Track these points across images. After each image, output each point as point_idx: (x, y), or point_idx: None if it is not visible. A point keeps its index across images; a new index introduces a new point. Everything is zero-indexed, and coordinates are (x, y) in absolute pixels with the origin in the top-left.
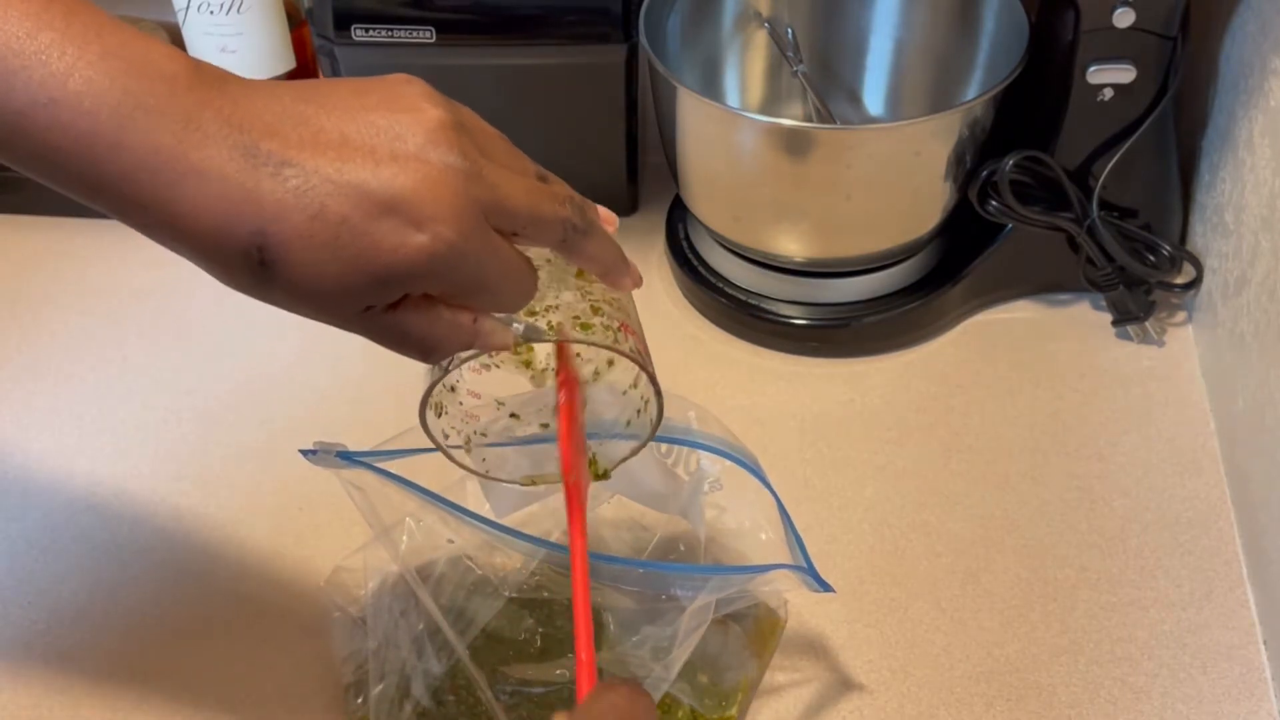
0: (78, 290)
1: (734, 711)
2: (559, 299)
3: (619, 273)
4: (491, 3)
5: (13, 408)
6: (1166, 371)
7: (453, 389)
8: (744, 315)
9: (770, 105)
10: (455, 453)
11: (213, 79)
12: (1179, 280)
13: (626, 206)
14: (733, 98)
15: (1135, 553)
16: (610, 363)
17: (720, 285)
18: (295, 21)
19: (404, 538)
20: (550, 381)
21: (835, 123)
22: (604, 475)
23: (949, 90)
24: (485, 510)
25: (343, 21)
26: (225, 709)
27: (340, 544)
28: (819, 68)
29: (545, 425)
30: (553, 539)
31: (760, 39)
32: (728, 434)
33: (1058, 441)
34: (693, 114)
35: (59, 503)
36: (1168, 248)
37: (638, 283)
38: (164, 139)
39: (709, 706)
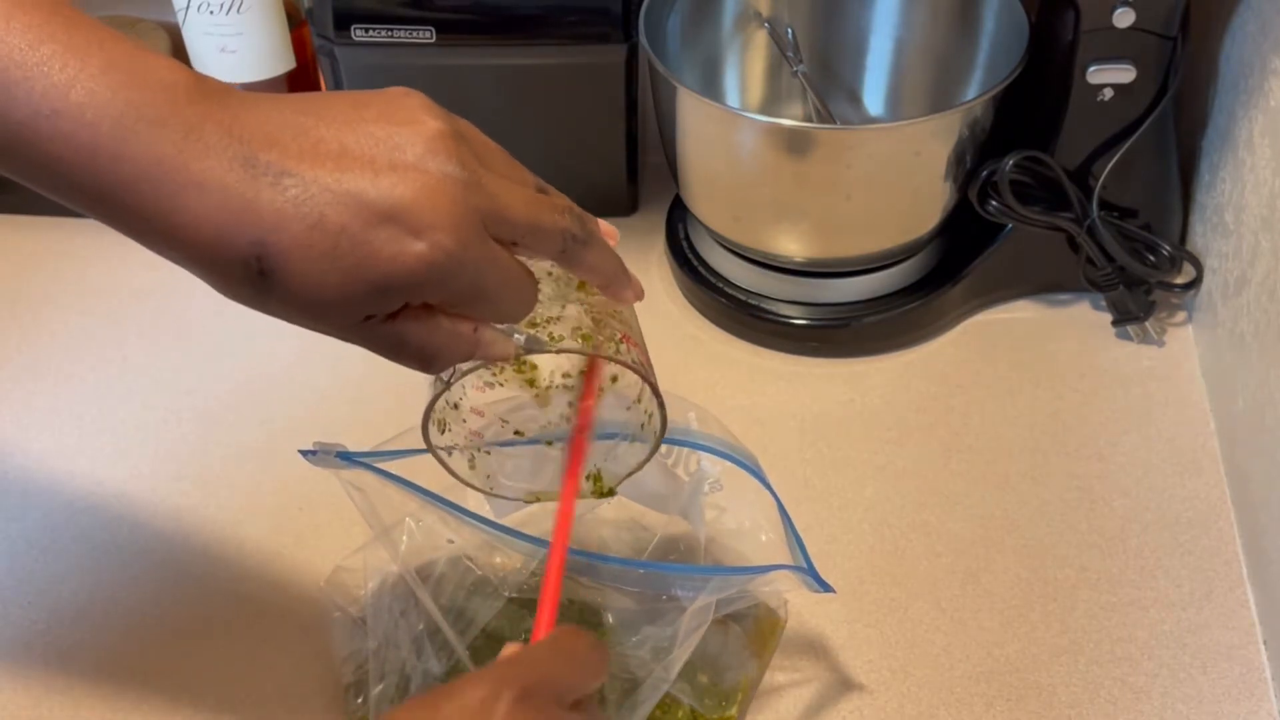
0: (78, 290)
1: (734, 711)
2: (562, 311)
3: (620, 285)
4: (491, 3)
5: (13, 408)
6: (1166, 371)
7: (455, 406)
8: (744, 315)
9: (770, 105)
10: (458, 468)
11: (213, 91)
12: (1179, 280)
13: (626, 206)
14: (733, 98)
15: (1135, 553)
16: (614, 378)
17: (720, 285)
18: (295, 21)
19: (404, 538)
20: (554, 401)
21: (835, 123)
22: (609, 492)
23: (949, 90)
24: (485, 511)
25: (343, 21)
26: (225, 709)
27: (340, 544)
28: (819, 68)
29: (550, 444)
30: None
31: (760, 39)
32: (728, 434)
33: (1058, 441)
34: (693, 114)
35: (59, 503)
36: (1168, 248)
37: (639, 295)
38: (165, 150)
39: (709, 706)
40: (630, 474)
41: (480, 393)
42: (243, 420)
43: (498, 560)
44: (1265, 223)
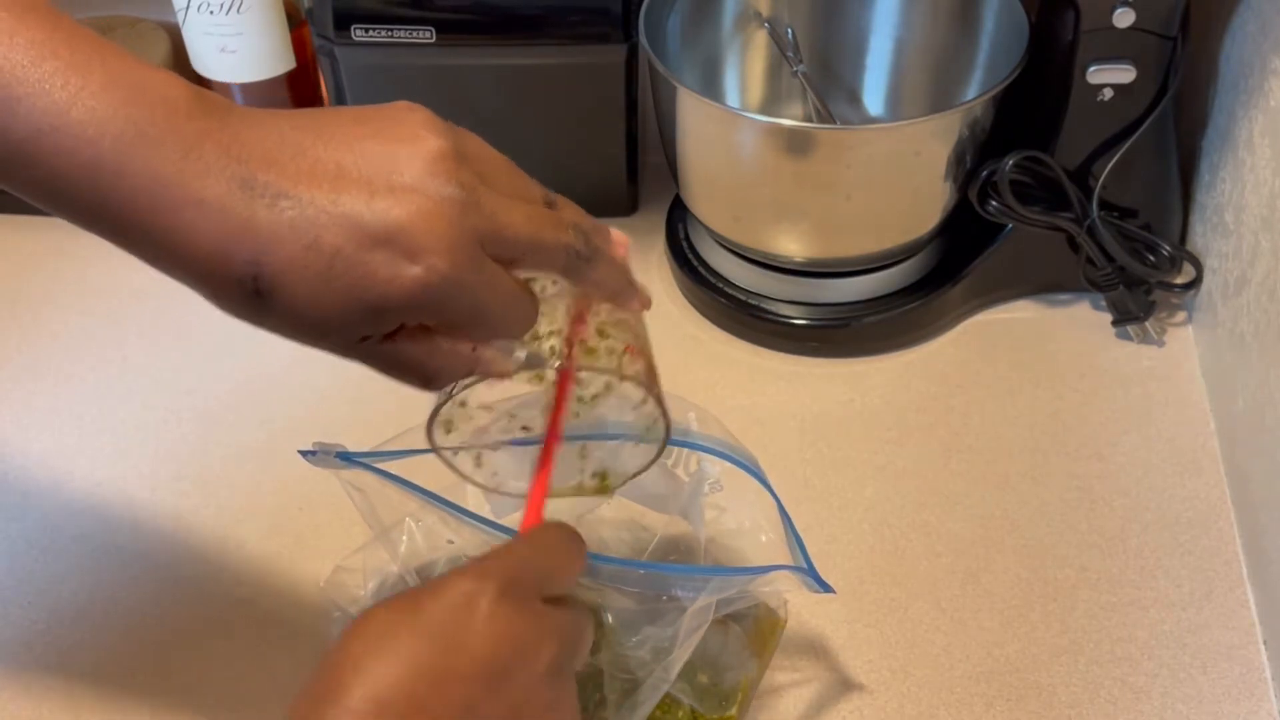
0: (78, 290)
1: (734, 711)
2: (565, 323)
3: (626, 296)
4: (491, 3)
5: (13, 408)
6: (1166, 371)
7: (463, 404)
8: (744, 315)
9: (770, 105)
10: (464, 468)
11: (214, 107)
12: (1179, 280)
13: (626, 206)
14: (733, 98)
15: (1135, 553)
16: (622, 379)
17: (720, 285)
18: (295, 21)
19: (404, 538)
20: None
21: (835, 123)
22: (607, 490)
23: (949, 90)
24: (485, 510)
25: (343, 21)
26: (225, 709)
27: (340, 544)
28: (819, 68)
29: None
30: None
31: (760, 39)
32: (728, 435)
33: (1058, 441)
34: (693, 114)
35: (59, 503)
36: (1168, 248)
37: (646, 305)
38: (165, 168)
39: (709, 706)
40: (634, 476)
41: (488, 389)
42: (243, 420)
43: None
44: (1265, 223)
